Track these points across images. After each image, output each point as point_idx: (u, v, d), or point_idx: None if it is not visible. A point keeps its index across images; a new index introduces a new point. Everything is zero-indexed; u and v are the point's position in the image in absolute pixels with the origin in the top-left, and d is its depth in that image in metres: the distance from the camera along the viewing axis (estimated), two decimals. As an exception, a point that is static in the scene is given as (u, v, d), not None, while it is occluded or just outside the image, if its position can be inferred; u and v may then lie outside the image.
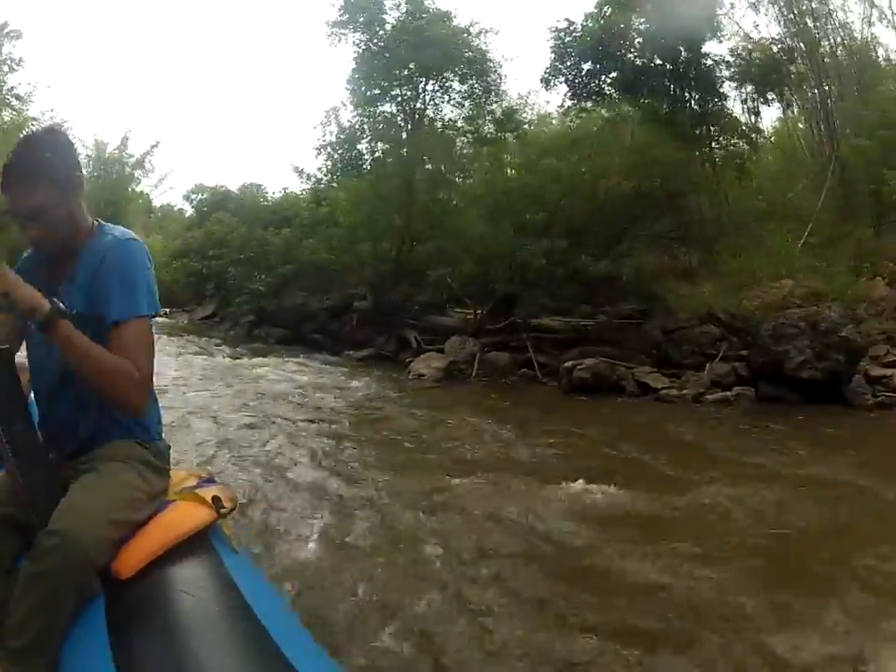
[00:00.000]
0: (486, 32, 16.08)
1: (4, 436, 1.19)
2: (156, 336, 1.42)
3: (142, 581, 1.16)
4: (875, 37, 14.56)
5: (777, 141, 16.07)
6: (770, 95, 14.46)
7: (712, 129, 13.15)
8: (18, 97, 19.94)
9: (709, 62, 13.53)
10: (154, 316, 1.33)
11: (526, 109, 17.64)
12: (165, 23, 60.17)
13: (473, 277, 8.80)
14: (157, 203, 27.75)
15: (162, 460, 1.41)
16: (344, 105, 15.67)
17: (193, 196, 22.21)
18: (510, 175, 10.08)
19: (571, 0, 15.75)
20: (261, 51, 64.04)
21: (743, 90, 14.23)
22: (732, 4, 14.74)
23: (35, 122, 19.82)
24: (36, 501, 1.21)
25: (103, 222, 1.41)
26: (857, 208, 11.22)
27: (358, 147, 14.72)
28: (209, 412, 5.20)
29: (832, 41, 14.33)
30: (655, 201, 8.38)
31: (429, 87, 15.59)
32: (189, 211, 22.77)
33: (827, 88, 13.22)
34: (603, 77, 13.51)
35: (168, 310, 17.22)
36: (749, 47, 14.58)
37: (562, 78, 13.89)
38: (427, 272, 9.88)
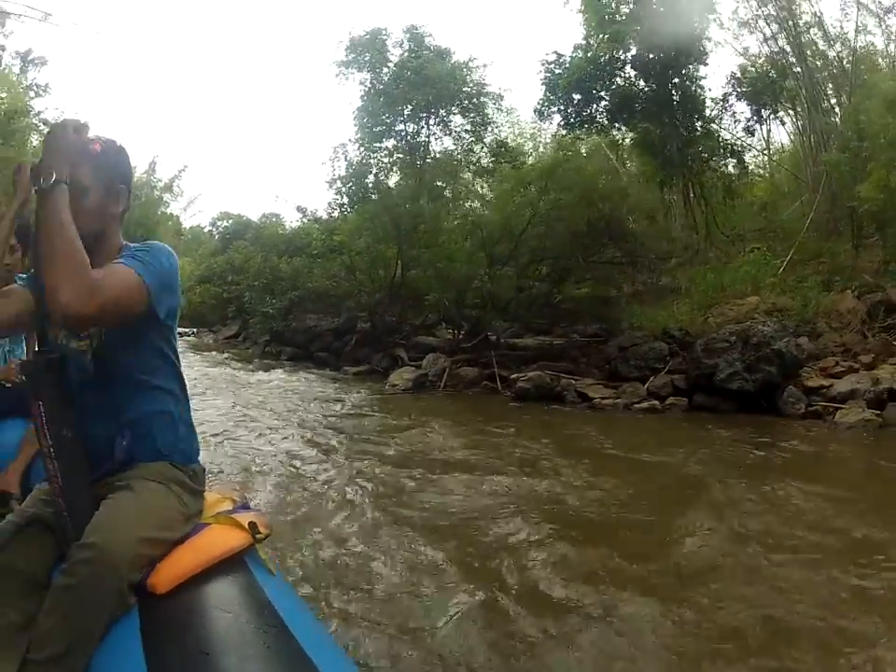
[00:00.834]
0: (484, 66, 17.26)
1: (49, 440, 1.24)
2: (182, 352, 1.51)
3: (178, 596, 1.18)
4: (872, 45, 14.72)
5: (781, 159, 16.59)
6: (764, 113, 15.13)
7: (700, 149, 13.82)
8: (45, 122, 20.65)
9: (696, 84, 14.16)
10: (152, 306, 1.30)
11: (523, 139, 18.74)
12: (189, 56, 63.94)
13: (452, 302, 9.79)
14: (186, 224, 29.78)
15: (198, 482, 1.45)
16: (351, 140, 16.93)
17: (218, 223, 24.04)
18: (481, 209, 11.10)
19: (563, 32, 16.71)
20: (284, 83, 67.39)
21: (734, 109, 14.86)
22: (722, 23, 15.42)
23: None
24: (73, 508, 1.24)
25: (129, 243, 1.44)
26: (841, 224, 11.53)
27: (365, 180, 15.71)
28: (209, 412, 6.31)
29: (824, 54, 14.50)
30: (603, 229, 9.15)
31: (431, 121, 16.82)
32: (216, 235, 24.55)
33: (811, 104, 13.39)
34: (594, 105, 14.38)
35: (195, 330, 18.88)
36: (745, 64, 15.23)
37: (554, 109, 14.92)
38: (419, 296, 10.98)
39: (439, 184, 14.89)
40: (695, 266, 11.78)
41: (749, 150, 15.90)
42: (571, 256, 9.38)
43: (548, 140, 18.94)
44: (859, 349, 7.88)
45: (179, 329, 1.53)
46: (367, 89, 17.06)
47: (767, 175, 16.55)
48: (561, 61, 14.53)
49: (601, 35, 14.24)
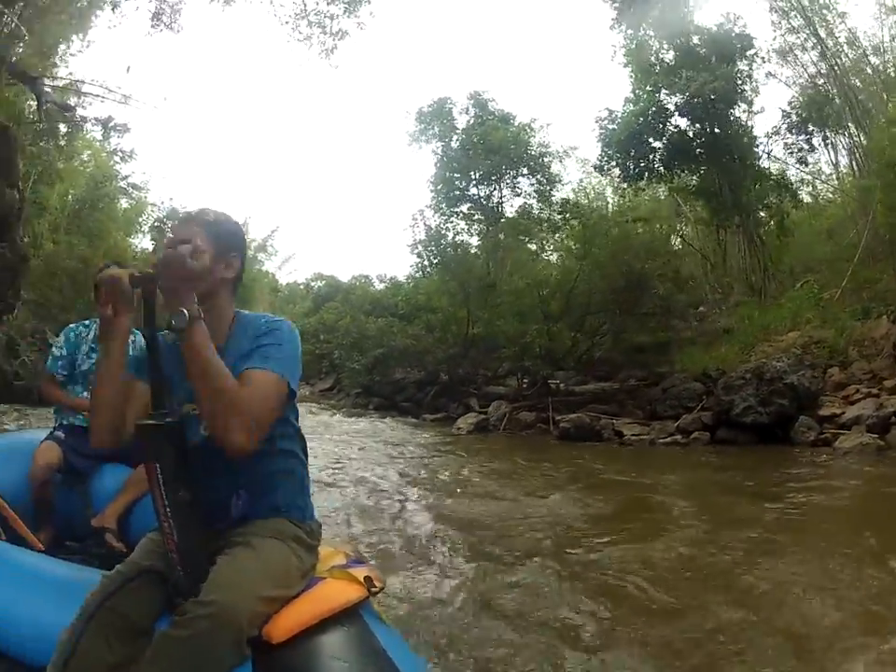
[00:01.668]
0: (547, 125, 18.83)
1: (165, 500, 1.29)
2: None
3: (294, 646, 1.24)
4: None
5: (842, 185, 16.80)
6: (815, 140, 15.59)
7: (754, 188, 14.35)
8: (134, 186, 22.56)
9: (741, 123, 14.92)
10: (291, 390, 1.41)
11: (587, 194, 20.04)
12: (276, 126, 71.11)
13: (515, 355, 11.39)
14: (283, 281, 31.74)
15: (314, 538, 1.51)
16: (428, 206, 18.75)
17: (312, 283, 26.86)
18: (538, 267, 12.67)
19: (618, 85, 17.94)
20: (370, 148, 73.35)
21: (785, 140, 15.31)
22: (763, 58, 15.62)
23: (154, 207, 23.42)
24: (188, 564, 1.30)
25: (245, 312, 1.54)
26: (882, 248, 11.64)
27: (442, 243, 17.13)
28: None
29: (862, 69, 14.59)
30: (635, 285, 10.41)
31: (502, 184, 18.48)
32: (311, 295, 27.21)
33: (856, 123, 13.61)
34: (650, 155, 15.40)
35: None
36: (792, 95, 15.58)
37: (613, 163, 16.14)
38: (490, 350, 12.68)
39: (509, 243, 16.43)
40: (750, 305, 12.69)
41: (815, 179, 16.26)
42: (612, 310, 10.71)
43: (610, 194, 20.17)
44: (886, 374, 8.45)
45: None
46: (439, 157, 19.07)
47: (837, 201, 16.67)
48: (613, 116, 15.74)
49: (646, 87, 15.48)
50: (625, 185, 16.67)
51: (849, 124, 13.99)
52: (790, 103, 15.29)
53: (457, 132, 18.94)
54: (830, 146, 15.37)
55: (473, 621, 2.74)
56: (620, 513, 4.79)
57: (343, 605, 1.37)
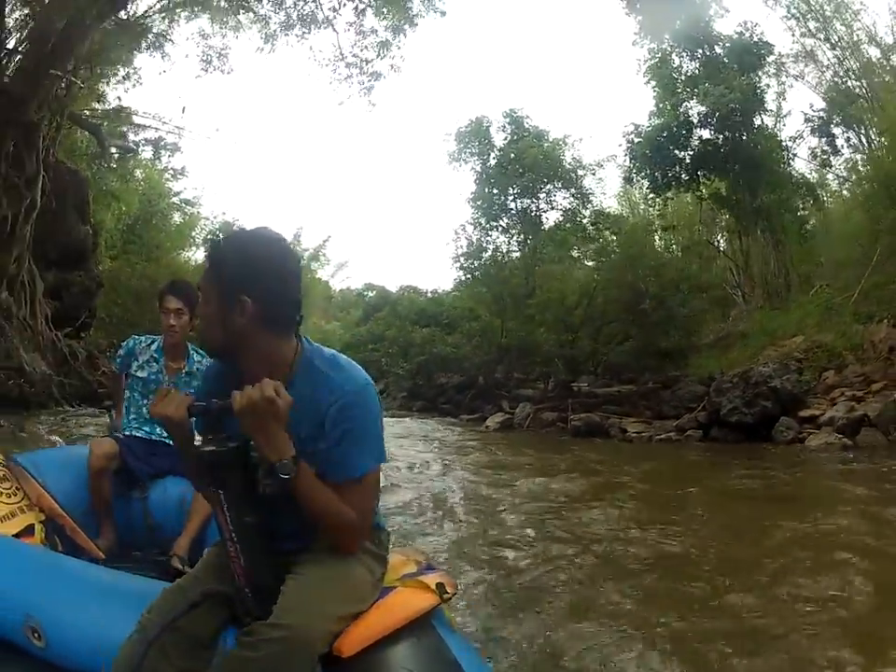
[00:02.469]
0: (579, 140, 19.91)
1: (230, 525, 1.32)
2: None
3: (365, 659, 1.27)
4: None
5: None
6: (839, 142, 16.24)
7: (773, 196, 15.15)
8: (186, 202, 24.11)
9: (761, 130, 15.73)
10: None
11: (620, 205, 21.08)
12: (325, 139, 75.92)
13: (539, 362, 12.87)
14: (336, 287, 33.32)
15: (383, 548, 1.53)
16: (469, 222, 19.79)
17: (364, 293, 28.81)
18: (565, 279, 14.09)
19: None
20: (417, 163, 78.31)
21: (808, 144, 16.17)
22: (782, 63, 16.64)
23: (206, 220, 24.98)
24: (255, 586, 1.33)
25: (313, 343, 1.46)
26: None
27: (482, 256, 18.68)
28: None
29: (882, 66, 15.19)
30: (643, 295, 11.67)
31: (539, 198, 19.42)
32: (362, 305, 29.08)
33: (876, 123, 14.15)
34: (676, 166, 16.42)
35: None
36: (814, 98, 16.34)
37: (641, 175, 17.28)
38: (521, 356, 14.22)
39: (548, 254, 17.88)
40: (765, 310, 13.73)
41: (838, 182, 16.92)
42: (628, 318, 12.03)
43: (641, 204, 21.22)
44: (877, 377, 9.28)
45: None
46: (478, 173, 20.15)
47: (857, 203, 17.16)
48: (639, 130, 16.81)
49: (669, 101, 16.50)
50: (653, 195, 17.65)
51: (869, 125, 14.72)
52: (811, 105, 16.17)
53: (495, 150, 19.95)
54: (852, 147, 16.01)
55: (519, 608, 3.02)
56: (590, 491, 6.05)
57: (414, 615, 1.40)
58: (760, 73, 15.84)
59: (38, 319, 12.88)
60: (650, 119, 17.14)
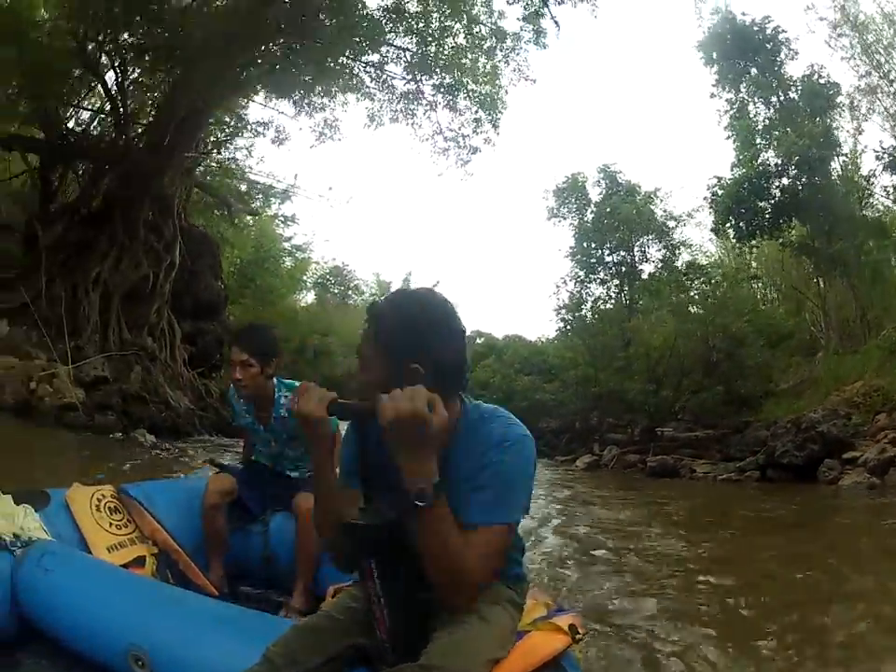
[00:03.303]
0: (670, 194, 21.74)
1: (379, 592, 1.38)
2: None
3: None
4: None
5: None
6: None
7: (849, 239, 15.76)
8: (297, 247, 25.94)
9: (845, 170, 16.83)
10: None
11: (708, 256, 22.49)
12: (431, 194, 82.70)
13: (628, 409, 15.02)
14: None
15: (522, 597, 1.63)
16: (569, 276, 21.76)
17: (472, 338, 31.27)
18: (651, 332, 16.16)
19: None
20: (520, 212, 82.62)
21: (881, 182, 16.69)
22: (850, 102, 17.50)
23: (316, 264, 27.16)
24: (399, 646, 1.40)
25: (472, 400, 1.53)
26: None
27: (581, 308, 20.84)
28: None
29: None
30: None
31: (634, 251, 21.35)
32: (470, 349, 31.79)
33: None
34: (759, 216, 17.56)
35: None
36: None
37: (727, 226, 18.52)
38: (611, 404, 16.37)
39: (644, 305, 19.72)
40: (841, 353, 14.88)
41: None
42: (705, 368, 13.96)
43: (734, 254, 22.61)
44: None
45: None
46: (575, 228, 22.29)
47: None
48: (721, 182, 18.19)
49: (748, 152, 17.91)
50: (739, 245, 19.04)
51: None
52: (880, 143, 16.71)
53: (591, 205, 21.93)
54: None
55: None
56: (647, 519, 7.93)
57: (545, 657, 1.47)
58: (831, 113, 16.84)
59: (178, 361, 15.00)
60: (731, 170, 18.50)
